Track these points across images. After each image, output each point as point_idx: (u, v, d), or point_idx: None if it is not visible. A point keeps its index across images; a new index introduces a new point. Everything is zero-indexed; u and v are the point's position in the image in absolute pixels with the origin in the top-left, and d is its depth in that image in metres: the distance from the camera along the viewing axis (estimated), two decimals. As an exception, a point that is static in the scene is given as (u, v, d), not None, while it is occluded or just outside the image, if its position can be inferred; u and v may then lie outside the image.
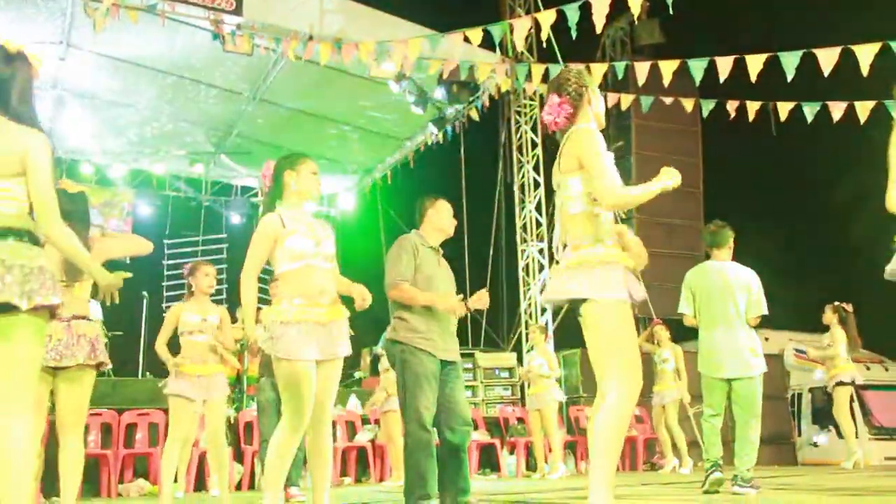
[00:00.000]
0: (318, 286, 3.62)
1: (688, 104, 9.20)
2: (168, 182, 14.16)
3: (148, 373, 10.53)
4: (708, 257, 5.85)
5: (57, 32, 9.45)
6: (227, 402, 5.84)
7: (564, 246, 3.16)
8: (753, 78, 7.60)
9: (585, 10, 7.12)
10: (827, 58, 7.34)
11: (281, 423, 3.60)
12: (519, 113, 12.61)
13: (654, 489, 6.53)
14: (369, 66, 9.39)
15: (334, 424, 4.13)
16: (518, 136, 12.61)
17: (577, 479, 8.32)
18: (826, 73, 7.35)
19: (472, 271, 11.93)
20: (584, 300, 3.00)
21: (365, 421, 9.58)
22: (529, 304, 12.30)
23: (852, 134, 8.52)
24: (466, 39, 8.28)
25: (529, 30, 8.63)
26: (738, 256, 5.76)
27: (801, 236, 17.74)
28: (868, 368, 12.68)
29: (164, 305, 12.56)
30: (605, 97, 8.96)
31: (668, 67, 8.08)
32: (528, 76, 9.28)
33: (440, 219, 4.54)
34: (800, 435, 12.94)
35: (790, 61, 7.44)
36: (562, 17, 7.38)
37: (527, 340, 11.80)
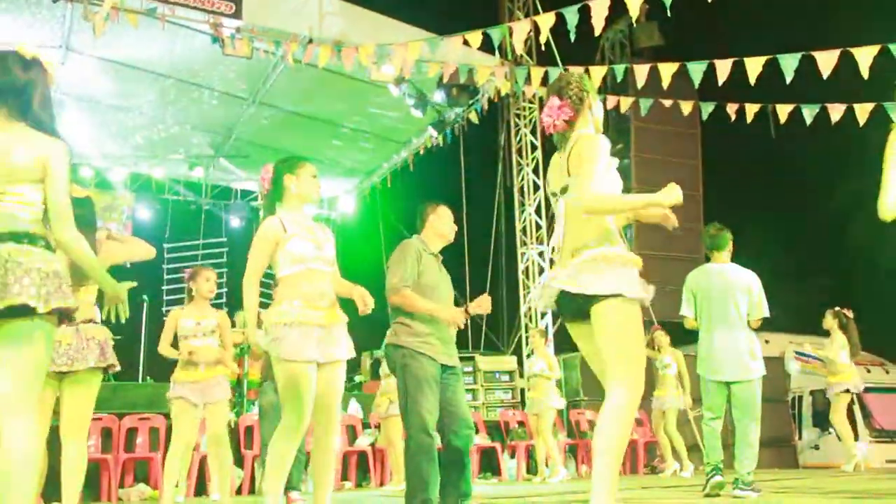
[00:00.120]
0: (318, 290, 3.64)
1: (687, 107, 9.20)
2: (168, 186, 14.15)
3: (148, 377, 10.52)
4: (708, 260, 5.84)
5: (56, 36, 9.46)
6: (229, 406, 5.83)
7: (561, 249, 3.15)
8: (752, 80, 7.60)
9: (584, 12, 7.12)
10: (826, 60, 7.34)
11: (280, 426, 3.60)
12: (518, 116, 12.61)
13: (655, 493, 6.52)
14: (369, 69, 9.40)
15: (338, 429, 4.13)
16: (518, 139, 12.61)
17: (577, 483, 8.32)
18: (825, 76, 7.35)
19: (472, 274, 11.94)
20: (595, 301, 2.97)
21: (365, 425, 9.57)
22: (530, 308, 12.29)
23: (852, 136, 8.52)
24: (466, 42, 8.28)
25: (528, 33, 8.64)
26: (737, 259, 5.76)
27: (802, 238, 17.74)
28: (869, 371, 12.66)
29: (164, 309, 12.56)
30: (605, 100, 8.98)
31: (667, 70, 8.08)
32: (528, 79, 9.29)
33: (441, 224, 4.55)
34: (800, 438, 12.93)
35: (789, 63, 7.44)
36: (561, 19, 7.38)
37: (527, 344, 11.79)
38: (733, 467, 5.38)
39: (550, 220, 10.56)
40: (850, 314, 8.80)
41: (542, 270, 12.19)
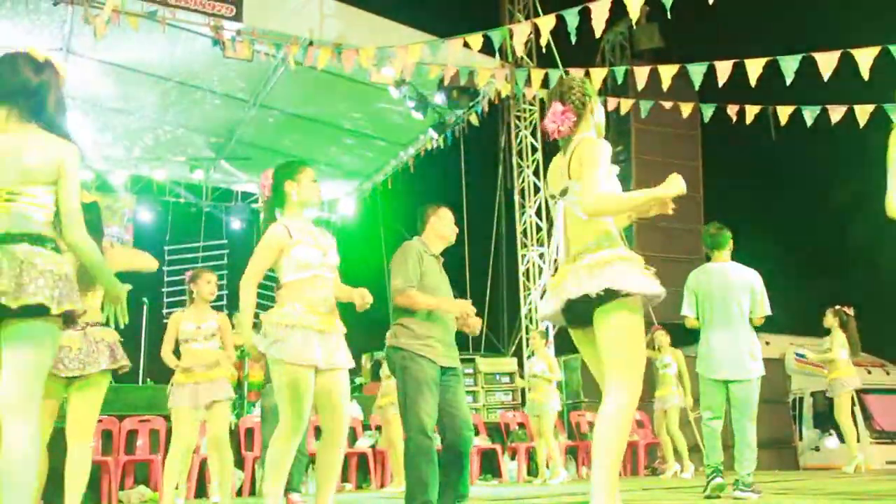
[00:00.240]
0: (321, 296, 3.67)
1: (687, 108, 9.21)
2: (168, 188, 14.16)
3: (149, 379, 10.53)
4: (708, 259, 5.84)
5: (57, 39, 9.47)
6: (230, 408, 5.83)
7: (566, 252, 3.15)
8: (753, 82, 7.61)
9: (585, 15, 7.13)
10: (826, 61, 7.34)
11: (278, 428, 3.61)
12: (519, 118, 12.62)
13: (655, 494, 6.52)
14: (369, 71, 9.41)
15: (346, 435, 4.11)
16: (518, 140, 12.62)
17: (578, 484, 8.31)
18: (825, 77, 7.35)
19: (472, 276, 11.95)
20: (602, 302, 2.96)
21: (366, 427, 9.58)
22: (530, 309, 12.30)
23: (852, 137, 8.52)
24: (466, 45, 8.29)
25: (529, 35, 8.65)
26: (737, 260, 5.75)
27: (802, 240, 17.74)
28: (869, 372, 12.66)
29: (164, 311, 12.58)
30: (605, 102, 8.99)
31: (667, 72, 8.09)
32: (528, 81, 9.30)
33: (442, 226, 4.55)
34: (801, 439, 12.92)
35: (789, 65, 7.45)
36: (561, 22, 7.39)
37: (527, 345, 11.79)
38: (734, 469, 5.38)
39: (551, 222, 10.57)
40: (851, 312, 8.80)
41: (542, 272, 12.19)
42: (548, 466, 8.99)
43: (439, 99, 10.70)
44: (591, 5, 7.04)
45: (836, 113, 8.43)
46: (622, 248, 3.05)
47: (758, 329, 5.64)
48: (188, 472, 7.44)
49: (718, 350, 5.51)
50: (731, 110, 8.75)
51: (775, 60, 7.52)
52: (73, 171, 2.75)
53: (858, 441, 9.40)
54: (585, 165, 3.02)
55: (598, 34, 7.10)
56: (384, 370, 8.44)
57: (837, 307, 8.87)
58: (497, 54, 9.24)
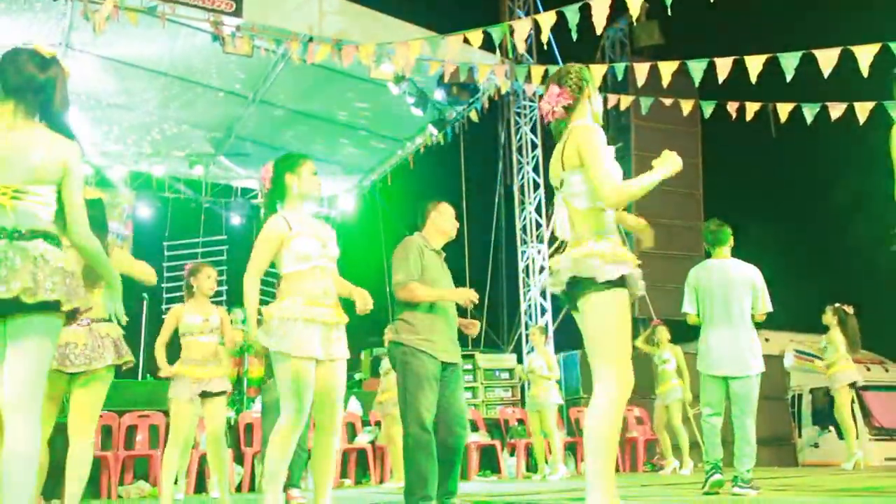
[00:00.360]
0: (322, 287, 3.67)
1: (687, 105, 9.19)
2: (168, 184, 14.14)
3: (148, 374, 10.53)
4: (708, 256, 5.83)
5: (56, 34, 9.45)
6: (228, 404, 5.82)
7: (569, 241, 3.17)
8: (753, 79, 7.59)
9: (585, 11, 7.11)
10: (826, 58, 7.33)
11: (279, 422, 3.61)
12: (519, 114, 12.62)
13: (654, 490, 6.53)
14: (369, 67, 9.39)
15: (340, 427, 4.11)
16: (518, 137, 12.62)
17: (577, 480, 8.32)
18: (826, 74, 7.34)
19: (472, 272, 11.95)
20: (582, 293, 2.99)
21: (365, 422, 9.59)
22: (529, 306, 12.31)
23: (852, 134, 8.52)
24: (466, 41, 8.28)
25: (529, 31, 8.63)
26: (737, 256, 5.75)
27: (802, 237, 17.74)
28: (868, 369, 12.68)
29: (163, 307, 12.56)
30: (605, 98, 8.98)
31: (667, 68, 8.08)
32: (528, 77, 9.29)
33: (443, 221, 4.56)
34: (800, 436, 12.94)
35: (790, 62, 7.43)
36: (561, 18, 7.38)
37: (527, 341, 11.81)
38: (732, 465, 5.39)
39: (550, 218, 10.57)
40: (850, 310, 8.81)
41: (542, 268, 12.20)
42: (547, 462, 9.00)
43: (439, 95, 10.70)
44: (592, 2, 7.03)
45: (836, 110, 8.42)
46: (613, 242, 3.05)
47: (757, 325, 5.64)
48: (187, 468, 7.45)
49: (719, 347, 5.51)
50: (731, 107, 8.73)
51: (775, 57, 7.50)
52: (78, 170, 2.77)
53: (857, 438, 9.41)
54: (589, 157, 3.03)
55: (598, 31, 7.08)
56: (383, 366, 8.44)
57: (837, 305, 8.88)
58: (497, 51, 9.23)
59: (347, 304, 3.85)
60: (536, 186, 12.42)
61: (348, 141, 12.88)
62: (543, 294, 12.15)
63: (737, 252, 5.75)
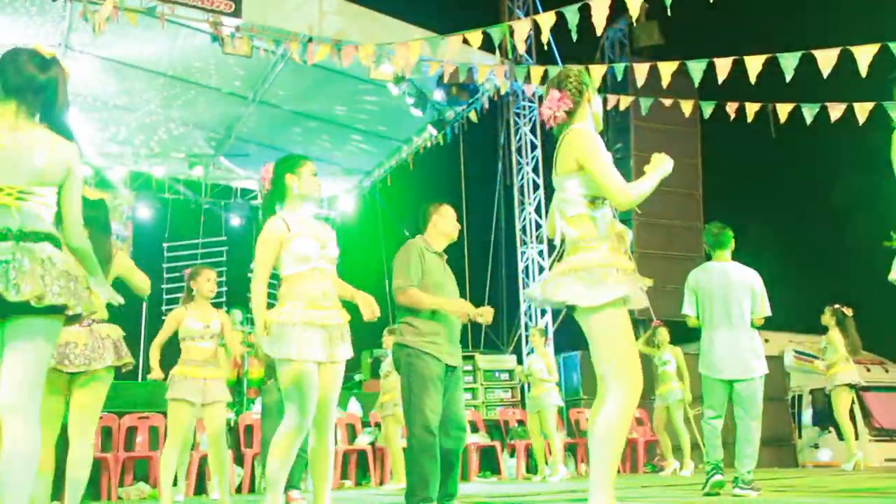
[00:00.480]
0: (321, 289, 3.67)
1: (687, 106, 9.19)
2: (167, 185, 14.14)
3: (148, 376, 10.51)
4: (709, 258, 5.83)
5: (56, 35, 9.45)
6: (228, 406, 5.82)
7: (561, 243, 3.16)
8: (753, 79, 7.59)
9: (584, 11, 7.11)
10: (826, 59, 7.33)
11: (283, 424, 3.61)
12: (518, 115, 12.62)
13: (654, 491, 6.52)
14: (369, 68, 9.39)
15: (335, 427, 4.09)
16: (517, 137, 12.62)
17: (577, 481, 8.32)
18: (825, 75, 7.34)
19: (471, 273, 11.93)
20: (578, 308, 3.00)
21: (365, 424, 9.58)
22: (529, 307, 12.30)
23: (852, 135, 8.52)
24: (466, 41, 8.27)
25: (529, 32, 8.63)
26: (737, 258, 5.74)
27: (801, 237, 17.73)
28: (868, 370, 12.67)
29: (163, 308, 12.56)
30: (605, 99, 8.97)
31: (667, 69, 8.07)
32: (528, 78, 9.29)
33: (444, 224, 4.57)
34: (800, 437, 12.93)
35: (789, 63, 7.43)
36: (561, 19, 7.38)
37: (527, 343, 11.80)
38: (733, 466, 5.39)
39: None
40: (849, 311, 8.81)
41: (541, 269, 12.20)
42: (547, 463, 9.00)
43: (439, 96, 10.70)
44: (591, 2, 7.02)
45: (836, 111, 8.42)
46: (602, 250, 3.02)
47: (757, 327, 5.63)
48: (187, 469, 7.45)
49: (721, 350, 5.50)
50: (731, 108, 8.73)
51: (775, 58, 7.50)
52: (79, 172, 2.77)
53: (857, 439, 9.40)
54: (590, 161, 3.03)
55: (598, 32, 7.08)
56: (383, 368, 8.44)
57: (836, 306, 8.88)
58: (497, 51, 9.23)
59: (353, 313, 3.85)
60: (536, 187, 12.42)
61: (348, 141, 12.88)
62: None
63: (736, 253, 5.75)
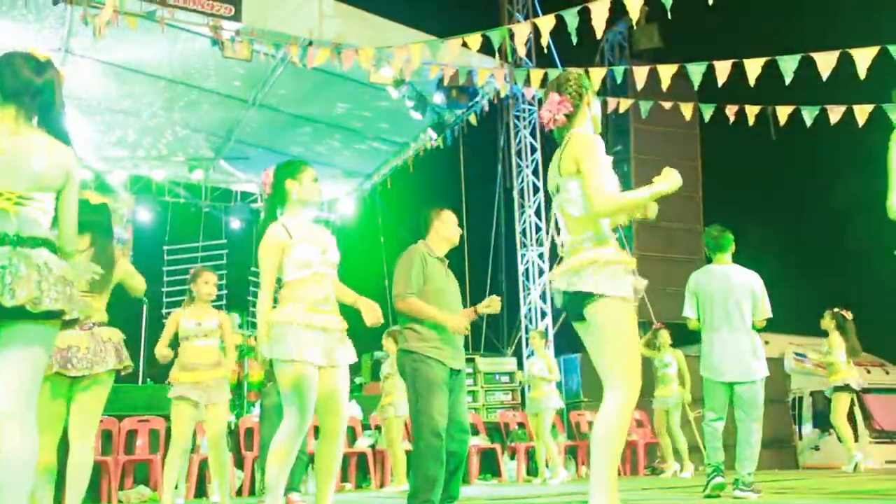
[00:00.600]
0: (322, 294, 3.68)
1: (687, 109, 9.20)
2: (168, 188, 14.15)
3: (148, 379, 10.53)
4: (710, 261, 5.84)
5: (56, 40, 9.45)
6: (229, 408, 5.83)
7: (565, 247, 3.17)
8: (752, 82, 7.60)
9: (584, 15, 7.12)
10: (825, 61, 7.34)
11: (283, 426, 3.61)
12: (518, 118, 12.63)
13: (655, 494, 6.52)
14: (369, 71, 9.40)
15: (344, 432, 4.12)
16: (517, 140, 12.63)
17: (578, 484, 8.32)
18: (824, 77, 7.35)
19: (472, 276, 11.94)
20: (587, 302, 3.00)
21: (365, 426, 9.58)
22: (530, 309, 12.30)
23: (851, 137, 8.53)
24: (465, 45, 8.29)
25: (528, 35, 8.64)
26: (737, 260, 5.75)
27: (802, 239, 17.74)
28: (869, 372, 12.66)
29: (163, 311, 12.56)
30: (605, 102, 8.98)
31: (666, 71, 8.09)
32: (527, 81, 9.30)
33: (446, 229, 4.59)
34: (800, 439, 12.93)
35: (788, 65, 7.44)
36: (560, 22, 7.39)
37: (527, 345, 11.80)
38: (734, 468, 5.39)
39: (550, 222, 10.57)
40: (849, 315, 8.81)
41: (541, 272, 12.21)
42: (547, 466, 8.99)
43: (438, 99, 10.70)
44: (591, 5, 7.03)
45: (835, 113, 8.43)
46: (611, 248, 3.05)
47: (757, 330, 5.64)
48: (188, 472, 7.45)
49: (722, 352, 5.50)
50: (731, 110, 8.74)
51: (774, 60, 7.51)
52: (77, 177, 2.77)
53: (857, 441, 9.40)
54: (585, 164, 3.03)
55: (598, 35, 7.09)
56: (384, 370, 8.44)
57: (835, 310, 8.88)
58: (496, 54, 9.25)
59: (352, 313, 3.86)
60: (536, 190, 12.43)
61: (348, 144, 12.89)
62: (543, 297, 12.14)
63: (736, 255, 5.76)
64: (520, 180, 12.58)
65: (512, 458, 10.06)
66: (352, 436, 9.37)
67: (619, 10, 7.00)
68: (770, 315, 5.61)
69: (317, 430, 3.93)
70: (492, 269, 12.73)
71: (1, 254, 2.53)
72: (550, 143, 3.34)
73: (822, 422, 12.46)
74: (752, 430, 5.39)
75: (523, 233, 12.51)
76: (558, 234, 3.20)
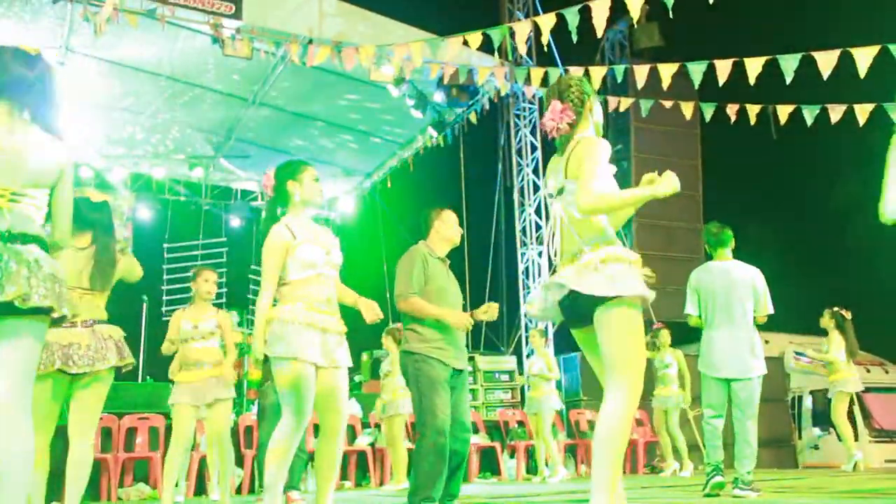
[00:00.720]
0: (325, 294, 3.70)
1: (687, 108, 9.20)
2: (168, 186, 14.15)
3: (148, 377, 10.53)
4: (709, 258, 5.83)
5: (56, 37, 9.45)
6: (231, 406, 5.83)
7: (560, 252, 3.14)
8: (752, 81, 7.60)
9: (585, 13, 7.12)
10: (826, 60, 7.34)
11: (280, 424, 3.62)
12: (518, 116, 12.63)
13: (654, 492, 6.52)
14: (369, 69, 9.40)
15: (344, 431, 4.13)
16: (517, 139, 12.63)
17: (577, 482, 8.32)
18: (825, 76, 7.35)
19: (472, 275, 11.95)
20: (596, 305, 2.96)
21: (365, 425, 9.58)
22: (529, 308, 12.29)
23: (852, 137, 8.53)
24: (466, 43, 8.28)
25: (529, 33, 8.63)
26: (737, 258, 5.75)
27: (802, 238, 17.75)
28: (868, 371, 12.68)
29: (163, 309, 12.58)
30: (605, 101, 8.98)
31: (667, 70, 8.08)
32: (528, 80, 9.29)
33: (447, 229, 4.60)
34: (800, 438, 12.94)
35: (789, 64, 7.44)
36: (561, 20, 7.39)
37: (527, 344, 11.81)
38: (733, 467, 5.39)
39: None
40: (848, 314, 8.81)
41: (541, 271, 12.21)
42: (547, 464, 9.00)
43: (439, 97, 10.70)
44: (592, 4, 7.03)
45: (836, 112, 8.43)
46: (619, 246, 3.05)
47: (758, 327, 5.64)
48: (188, 470, 7.45)
49: (720, 349, 5.50)
50: (731, 109, 8.74)
51: (775, 59, 7.51)
52: (71, 174, 2.76)
53: (857, 440, 9.41)
54: (584, 163, 3.01)
55: (598, 33, 7.09)
56: (383, 368, 8.44)
57: (835, 309, 8.89)
58: (497, 53, 9.24)
59: (352, 313, 3.86)
60: (536, 188, 12.43)
61: (348, 143, 12.89)
62: (530, 297, 12.14)
63: (737, 253, 5.75)
64: (520, 179, 12.58)
65: (511, 456, 10.06)
66: (351, 434, 9.38)
67: (620, 8, 7.00)
68: (771, 311, 5.61)
69: (317, 428, 3.93)
70: (492, 267, 12.73)
71: None
72: (551, 142, 3.33)
73: (822, 421, 12.47)
74: (748, 428, 5.39)
75: (523, 231, 12.51)
76: (552, 240, 3.16)
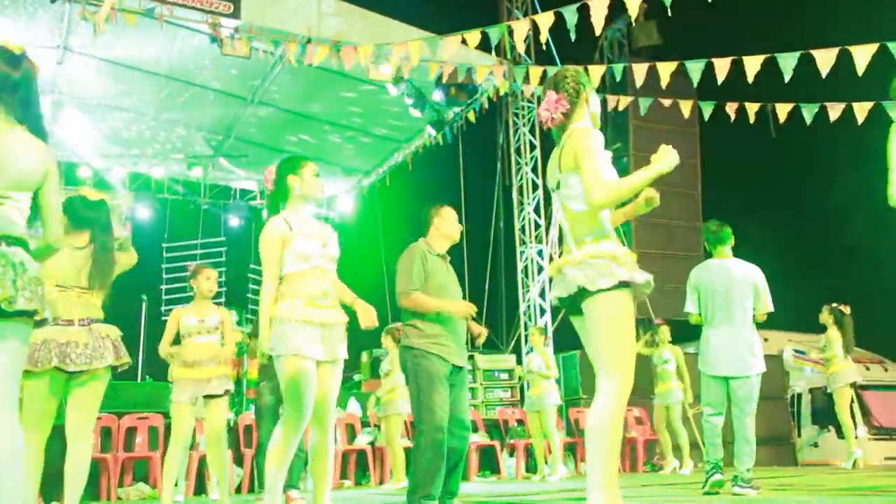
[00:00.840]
0: (321, 288, 3.69)
1: (686, 106, 9.20)
2: (167, 185, 14.15)
3: (147, 376, 10.53)
4: (709, 256, 5.83)
5: (55, 37, 9.45)
6: (229, 403, 5.82)
7: (565, 244, 3.16)
8: (751, 79, 7.60)
9: (583, 12, 7.12)
10: (824, 59, 7.33)
11: (281, 422, 3.62)
12: (517, 115, 12.63)
13: (654, 490, 6.53)
14: (367, 68, 9.40)
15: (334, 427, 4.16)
16: (516, 138, 12.63)
17: (577, 480, 8.32)
18: (824, 74, 7.35)
19: (471, 273, 11.95)
20: (586, 297, 2.99)
21: (364, 424, 9.59)
22: (529, 306, 12.31)
23: (850, 135, 8.53)
24: (464, 42, 8.28)
25: (528, 32, 8.63)
26: (737, 256, 5.74)
27: (801, 236, 17.76)
28: (868, 369, 12.69)
29: (162, 308, 12.57)
30: (604, 99, 8.97)
31: (665, 69, 8.08)
32: (526, 78, 9.29)
33: (446, 226, 4.60)
34: (799, 435, 12.95)
35: (788, 62, 7.44)
36: (560, 19, 7.38)
37: (526, 342, 11.81)
38: (733, 465, 5.39)
39: (549, 219, 10.57)
40: (847, 310, 8.83)
41: (541, 269, 12.21)
42: (546, 462, 9.00)
43: (438, 96, 10.70)
44: (590, 2, 7.02)
45: (835, 110, 8.43)
46: (614, 243, 3.05)
47: (757, 325, 5.64)
48: (187, 469, 7.45)
49: (720, 347, 5.50)
50: (730, 108, 8.74)
51: (774, 58, 7.50)
52: (56, 175, 2.73)
53: (857, 437, 9.42)
54: (583, 158, 3.02)
55: (598, 32, 7.08)
56: (383, 367, 8.44)
57: (833, 305, 8.91)
58: (495, 51, 9.24)
59: (350, 313, 3.87)
60: (535, 187, 12.43)
61: (347, 142, 12.89)
62: (542, 294, 12.15)
63: (736, 252, 5.74)
64: (519, 177, 12.58)
65: (511, 454, 10.07)
66: (351, 433, 9.38)
67: (619, 7, 6.99)
68: (772, 309, 5.60)
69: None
70: (491, 266, 12.74)
71: None
72: (549, 140, 3.33)
73: (821, 418, 12.48)
74: (746, 425, 5.39)
75: (522, 230, 12.51)
76: (559, 235, 3.18)
